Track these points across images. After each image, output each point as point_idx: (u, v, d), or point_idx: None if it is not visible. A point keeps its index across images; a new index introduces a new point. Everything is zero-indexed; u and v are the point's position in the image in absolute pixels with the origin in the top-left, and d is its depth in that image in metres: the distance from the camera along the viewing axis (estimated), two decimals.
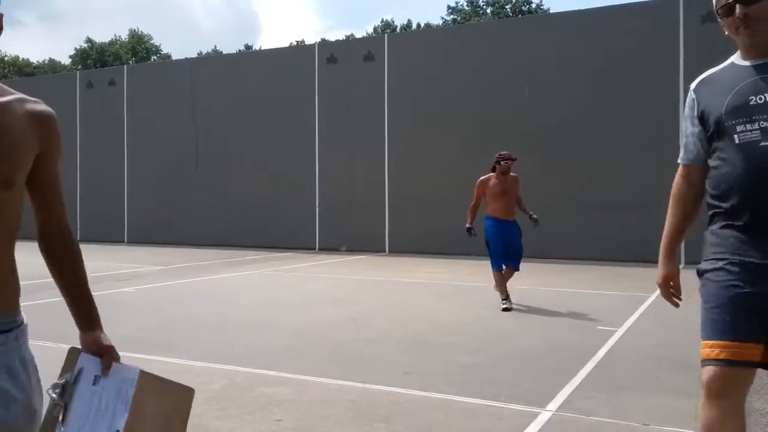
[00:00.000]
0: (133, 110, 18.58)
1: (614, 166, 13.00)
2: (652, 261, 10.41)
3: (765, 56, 2.15)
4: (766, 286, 2.02)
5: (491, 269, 7.26)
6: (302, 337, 5.56)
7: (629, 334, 5.72)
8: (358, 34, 52.90)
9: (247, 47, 56.45)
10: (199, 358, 4.77)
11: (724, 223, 2.16)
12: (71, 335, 5.02)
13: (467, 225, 7.33)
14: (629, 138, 12.84)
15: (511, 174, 7.34)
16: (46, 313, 6.77)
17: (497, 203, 7.23)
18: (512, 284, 7.36)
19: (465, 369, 4.50)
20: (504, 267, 7.17)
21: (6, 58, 52.51)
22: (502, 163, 7.24)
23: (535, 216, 7.41)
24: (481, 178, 7.38)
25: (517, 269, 7.27)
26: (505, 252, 7.14)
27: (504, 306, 6.99)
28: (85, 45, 54.51)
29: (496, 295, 7.28)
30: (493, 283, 7.26)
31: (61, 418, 1.50)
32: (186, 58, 23.23)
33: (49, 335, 5.52)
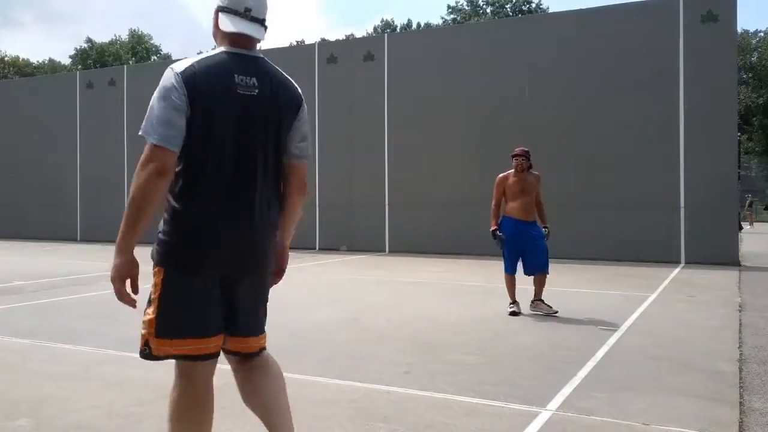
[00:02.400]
0: (133, 110, 18.57)
1: (614, 166, 13.00)
2: (651, 261, 10.42)
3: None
4: None
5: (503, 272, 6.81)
6: (302, 337, 5.56)
7: (629, 334, 5.72)
8: (358, 34, 52.90)
9: None
10: None
11: None
12: (70, 335, 4.99)
13: (492, 228, 6.72)
14: (629, 138, 12.84)
15: (533, 172, 6.82)
16: (46, 313, 6.76)
17: (514, 202, 6.71)
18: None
19: (465, 369, 4.50)
20: (526, 274, 6.75)
21: (6, 59, 52.52)
22: (512, 160, 6.75)
23: (547, 230, 6.85)
24: (500, 175, 6.84)
25: (546, 272, 6.75)
26: (524, 256, 6.69)
27: (511, 309, 6.63)
28: (85, 45, 54.54)
29: (495, 296, 7.27)
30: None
31: None
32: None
33: (48, 335, 5.52)
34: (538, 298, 6.80)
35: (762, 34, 47.25)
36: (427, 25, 51.34)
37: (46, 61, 54.40)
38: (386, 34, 20.41)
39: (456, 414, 3.53)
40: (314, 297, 8.13)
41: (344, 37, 42.83)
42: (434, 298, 8.11)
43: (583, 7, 15.17)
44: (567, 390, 3.97)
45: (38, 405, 3.70)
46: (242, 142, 2.22)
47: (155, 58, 53.79)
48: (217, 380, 4.19)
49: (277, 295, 8.71)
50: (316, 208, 15.91)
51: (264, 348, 2.52)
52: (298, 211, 2.48)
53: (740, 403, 3.76)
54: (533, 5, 49.10)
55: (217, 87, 2.17)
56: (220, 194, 2.20)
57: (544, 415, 3.50)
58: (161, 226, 2.25)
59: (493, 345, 5.30)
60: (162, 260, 2.24)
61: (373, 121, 15.26)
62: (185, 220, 2.21)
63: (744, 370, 4.49)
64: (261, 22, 2.34)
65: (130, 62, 48.86)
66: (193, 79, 2.14)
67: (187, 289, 2.24)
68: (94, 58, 52.62)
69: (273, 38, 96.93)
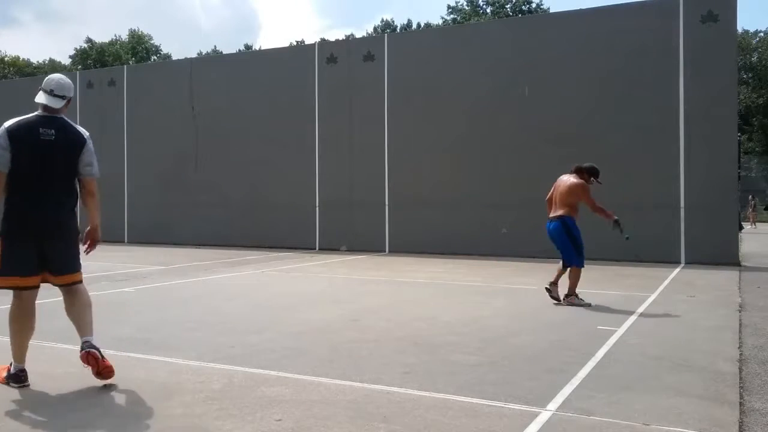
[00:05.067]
0: (133, 110, 18.57)
1: (613, 166, 12.96)
2: (651, 261, 10.45)
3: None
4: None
5: None
6: (302, 337, 5.56)
7: (629, 334, 5.72)
8: (358, 34, 52.90)
9: (247, 47, 56.50)
10: (199, 358, 4.77)
11: None
12: (70, 335, 4.97)
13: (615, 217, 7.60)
14: (629, 138, 12.84)
15: (571, 179, 7.64)
16: (46, 313, 6.76)
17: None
18: (514, 282, 7.33)
19: (465, 369, 4.50)
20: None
21: (6, 59, 52.48)
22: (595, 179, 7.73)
23: (616, 220, 7.64)
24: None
25: (568, 265, 7.50)
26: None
27: (585, 302, 7.29)
28: (85, 45, 54.52)
29: (495, 296, 7.26)
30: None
31: None
32: (186, 58, 23.23)
33: (48, 335, 5.52)
34: (568, 293, 7.48)
35: (762, 34, 47.24)
36: (427, 25, 51.32)
37: (46, 61, 54.37)
38: (386, 34, 20.42)
39: (456, 414, 3.53)
40: (314, 297, 8.13)
41: (344, 37, 42.84)
42: (434, 298, 8.10)
43: (583, 7, 15.17)
44: (567, 390, 3.97)
45: (38, 405, 3.70)
46: (42, 166, 3.95)
47: (155, 58, 53.77)
48: (215, 383, 4.21)
49: (277, 295, 8.67)
50: (316, 208, 15.91)
51: (77, 282, 4.21)
52: (91, 205, 4.19)
53: (740, 403, 3.76)
54: (533, 5, 49.09)
55: (26, 135, 3.92)
56: (26, 193, 3.95)
57: (544, 415, 3.50)
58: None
59: (493, 345, 5.30)
60: (1, 231, 3.98)
61: (373, 121, 15.26)
62: (9, 208, 3.96)
63: (744, 370, 4.49)
64: (61, 97, 4.09)
65: (130, 62, 48.83)
66: (12, 130, 3.92)
67: (12, 246, 3.94)
68: (94, 58, 52.58)
69: (273, 38, 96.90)
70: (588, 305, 7.21)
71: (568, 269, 7.47)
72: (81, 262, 4.29)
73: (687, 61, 12.45)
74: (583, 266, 7.49)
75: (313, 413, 3.53)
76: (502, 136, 13.99)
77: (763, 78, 45.33)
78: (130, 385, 4.05)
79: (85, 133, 4.16)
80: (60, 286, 4.16)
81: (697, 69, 12.36)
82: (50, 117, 4.05)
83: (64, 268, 4.13)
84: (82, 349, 4.00)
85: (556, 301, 7.37)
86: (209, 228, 17.03)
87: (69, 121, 4.14)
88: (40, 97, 4.06)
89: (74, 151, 4.05)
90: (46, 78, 4.19)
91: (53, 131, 3.97)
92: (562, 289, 7.43)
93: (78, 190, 4.18)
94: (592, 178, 7.62)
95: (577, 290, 7.43)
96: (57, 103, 4.07)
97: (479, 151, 14.20)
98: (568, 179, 7.63)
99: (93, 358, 3.93)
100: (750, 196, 32.29)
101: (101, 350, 4.03)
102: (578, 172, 7.63)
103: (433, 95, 14.65)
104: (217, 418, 3.46)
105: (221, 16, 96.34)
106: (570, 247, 7.46)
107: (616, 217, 7.49)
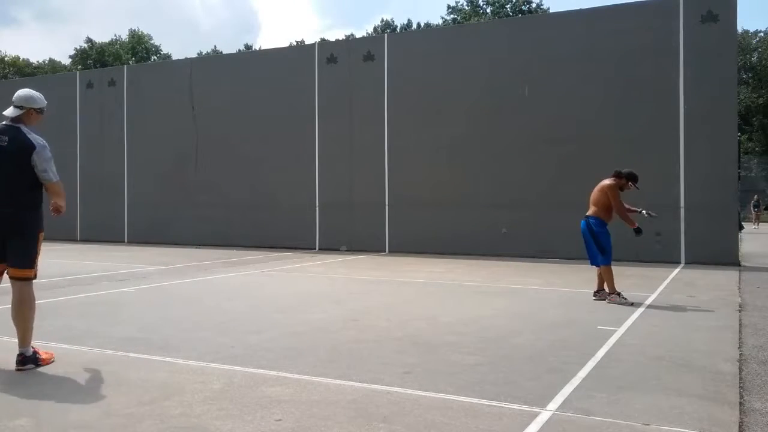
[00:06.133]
0: (133, 110, 18.57)
1: (613, 167, 12.93)
2: (651, 261, 10.44)
3: None
4: None
5: None
6: (302, 337, 5.56)
7: (629, 334, 5.72)
8: (358, 34, 52.90)
9: (247, 47, 56.51)
10: (199, 358, 4.77)
11: None
12: (70, 335, 4.98)
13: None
14: (628, 138, 12.83)
15: (605, 181, 7.85)
16: (46, 313, 6.75)
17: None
18: (514, 282, 7.32)
19: (465, 369, 4.50)
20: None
21: (6, 59, 52.47)
22: (632, 184, 7.92)
23: (644, 213, 8.06)
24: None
25: (596, 265, 7.71)
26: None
27: (626, 300, 7.47)
28: (85, 45, 54.51)
29: (495, 296, 7.27)
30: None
31: None
32: (186, 58, 23.22)
33: (48, 335, 5.52)
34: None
35: (762, 34, 47.22)
36: (427, 25, 51.33)
37: (46, 61, 54.38)
38: (386, 34, 20.42)
39: (456, 414, 3.53)
40: (314, 297, 8.13)
41: (344, 37, 42.83)
42: (434, 298, 8.10)
43: (583, 7, 15.17)
44: (567, 390, 3.97)
45: (38, 405, 3.70)
46: None
47: (155, 58, 53.76)
48: (215, 383, 4.21)
49: (277, 295, 8.67)
50: (316, 208, 15.91)
51: (25, 278, 4.55)
52: (54, 198, 4.60)
53: (740, 403, 3.76)
54: (533, 5, 49.10)
55: None
56: None
57: (544, 415, 3.50)
58: None
59: (493, 345, 5.30)
60: None
61: (373, 121, 15.26)
62: None
63: (744, 370, 4.49)
64: (18, 107, 4.58)
65: (130, 62, 48.83)
66: None
67: None
68: (94, 58, 52.58)
69: (272, 38, 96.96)
70: (630, 304, 7.32)
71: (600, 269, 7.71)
72: (37, 261, 4.66)
73: (687, 61, 12.45)
74: (607, 264, 7.62)
75: (313, 413, 3.53)
76: (502, 136, 13.99)
77: (763, 78, 45.32)
78: (130, 385, 4.05)
79: (40, 141, 4.56)
80: (11, 278, 4.58)
81: (697, 69, 12.36)
82: (8, 126, 4.58)
83: (16, 262, 4.55)
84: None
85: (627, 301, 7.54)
86: (209, 228, 17.03)
87: (26, 130, 4.60)
88: (7, 109, 4.62)
89: (25, 156, 4.48)
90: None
91: (7, 138, 4.49)
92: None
93: (43, 192, 4.64)
94: (630, 183, 7.80)
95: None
96: (13, 113, 4.60)
97: (479, 151, 14.19)
98: (603, 181, 7.86)
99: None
100: (755, 196, 32.17)
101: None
102: (617, 176, 7.81)
103: (433, 95, 14.65)
104: (217, 418, 3.46)
105: (221, 16, 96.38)
106: (592, 247, 7.65)
107: (636, 225, 7.68)
